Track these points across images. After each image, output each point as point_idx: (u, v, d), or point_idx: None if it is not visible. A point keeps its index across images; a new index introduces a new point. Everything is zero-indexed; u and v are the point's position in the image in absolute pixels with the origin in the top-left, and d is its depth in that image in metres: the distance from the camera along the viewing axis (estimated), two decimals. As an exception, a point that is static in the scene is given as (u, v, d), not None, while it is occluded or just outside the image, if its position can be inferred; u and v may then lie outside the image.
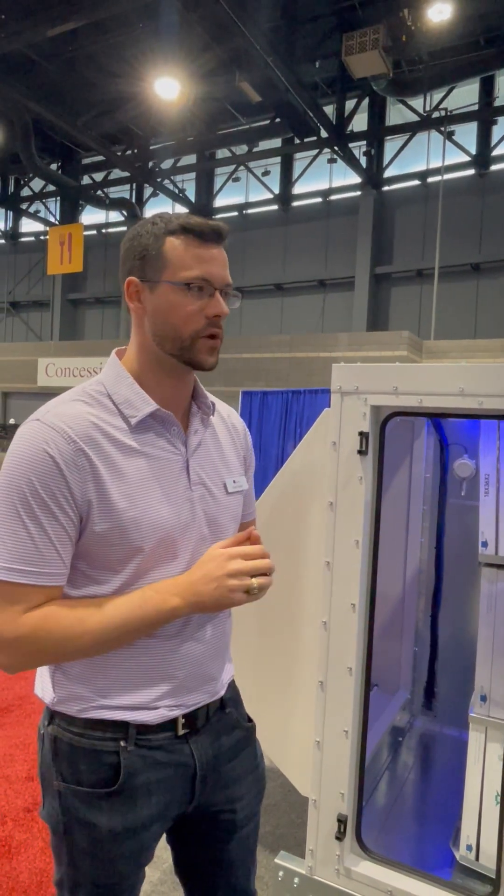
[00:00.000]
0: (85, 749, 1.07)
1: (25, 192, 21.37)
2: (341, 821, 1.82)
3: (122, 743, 1.07)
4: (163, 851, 1.28)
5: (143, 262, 1.08)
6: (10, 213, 22.30)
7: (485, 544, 1.98)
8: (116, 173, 18.92)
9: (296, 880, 1.91)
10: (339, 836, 1.83)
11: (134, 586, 1.04)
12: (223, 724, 1.21)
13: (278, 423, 11.82)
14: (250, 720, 1.30)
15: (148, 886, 2.15)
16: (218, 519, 1.15)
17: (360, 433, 1.76)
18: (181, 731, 1.12)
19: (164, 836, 1.22)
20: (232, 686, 1.27)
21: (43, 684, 1.13)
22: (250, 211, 18.42)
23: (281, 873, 1.92)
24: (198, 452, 1.14)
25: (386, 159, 16.41)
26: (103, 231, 20.99)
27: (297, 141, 14.86)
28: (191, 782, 1.15)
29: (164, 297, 1.05)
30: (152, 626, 1.03)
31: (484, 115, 15.01)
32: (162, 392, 1.10)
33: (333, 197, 17.23)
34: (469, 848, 1.93)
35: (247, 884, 1.29)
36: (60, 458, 0.98)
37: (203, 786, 1.17)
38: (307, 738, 1.89)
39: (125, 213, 19.37)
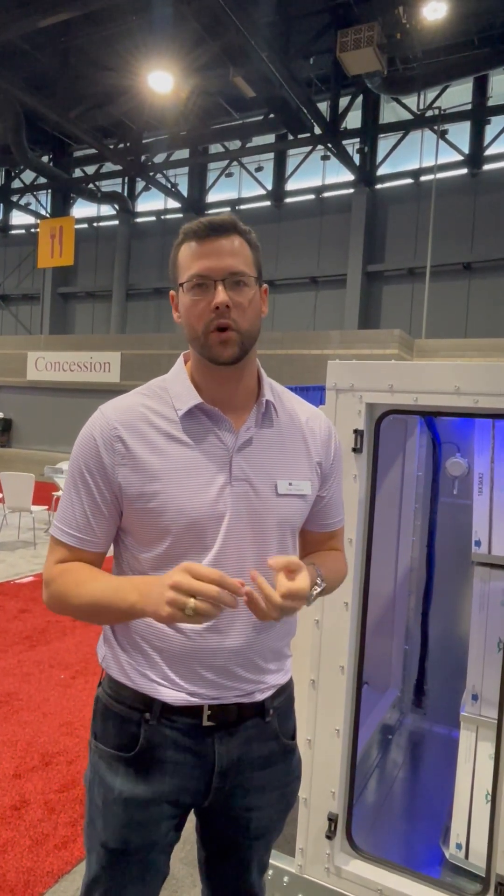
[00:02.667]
0: (115, 713, 1.16)
1: (16, 184, 21.18)
2: (332, 819, 1.82)
3: (146, 715, 1.14)
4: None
5: (172, 275, 1.17)
6: (1, 206, 22.10)
7: (478, 543, 1.98)
8: (108, 167, 18.78)
9: (286, 879, 1.90)
10: (330, 835, 1.82)
11: (165, 569, 1.06)
12: (259, 731, 1.20)
13: (269, 419, 11.79)
14: (293, 737, 1.28)
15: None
16: (262, 518, 1.14)
17: (355, 431, 1.75)
18: (206, 723, 1.14)
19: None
20: (281, 695, 1.24)
21: (100, 643, 1.24)
22: (243, 207, 18.36)
23: (271, 872, 1.92)
24: (247, 449, 1.15)
25: (379, 157, 16.42)
26: (95, 225, 20.85)
27: (290, 137, 14.84)
28: (208, 776, 1.16)
29: (181, 302, 1.14)
30: (120, 615, 1.06)
31: (477, 115, 15.04)
32: (211, 389, 1.16)
33: (326, 194, 17.22)
34: (459, 846, 1.94)
35: (253, 881, 1.32)
36: (101, 441, 1.11)
37: (221, 783, 1.17)
38: (298, 736, 1.89)
39: (117, 206, 19.26)
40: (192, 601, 0.92)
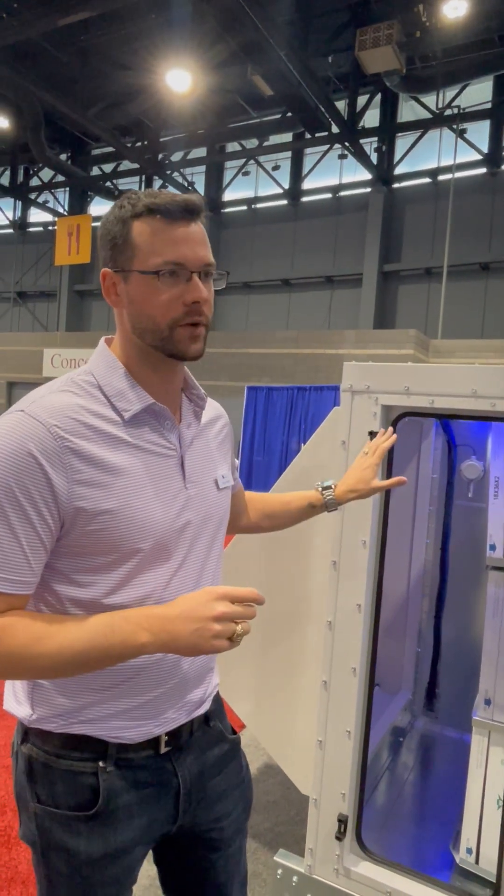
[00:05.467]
0: (62, 770, 1.01)
1: (34, 181, 21.33)
2: (342, 821, 1.82)
3: (100, 763, 1.01)
4: (146, 862, 1.23)
5: (114, 251, 0.99)
6: (19, 203, 22.26)
7: (493, 547, 1.97)
8: (126, 165, 18.86)
9: (294, 879, 1.90)
10: (339, 836, 1.82)
11: (121, 591, 0.98)
12: (207, 738, 1.17)
13: (283, 418, 11.81)
14: (235, 732, 1.25)
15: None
16: (212, 517, 1.10)
17: (370, 433, 1.75)
18: (164, 749, 1.07)
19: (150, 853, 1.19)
20: (216, 699, 1.22)
21: (17, 699, 1.05)
22: (259, 205, 18.35)
23: (280, 871, 1.92)
24: (192, 448, 1.09)
25: (397, 156, 16.32)
26: (111, 223, 20.95)
27: (307, 136, 14.79)
28: (174, 800, 1.10)
29: (138, 288, 0.97)
30: (117, 659, 0.91)
31: (497, 114, 14.90)
32: (152, 385, 1.03)
33: (343, 193, 17.16)
34: (469, 851, 1.93)
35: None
36: (44, 457, 0.89)
37: (188, 803, 1.12)
38: (309, 736, 1.89)
39: (134, 205, 19.31)
40: (239, 627, 0.88)
